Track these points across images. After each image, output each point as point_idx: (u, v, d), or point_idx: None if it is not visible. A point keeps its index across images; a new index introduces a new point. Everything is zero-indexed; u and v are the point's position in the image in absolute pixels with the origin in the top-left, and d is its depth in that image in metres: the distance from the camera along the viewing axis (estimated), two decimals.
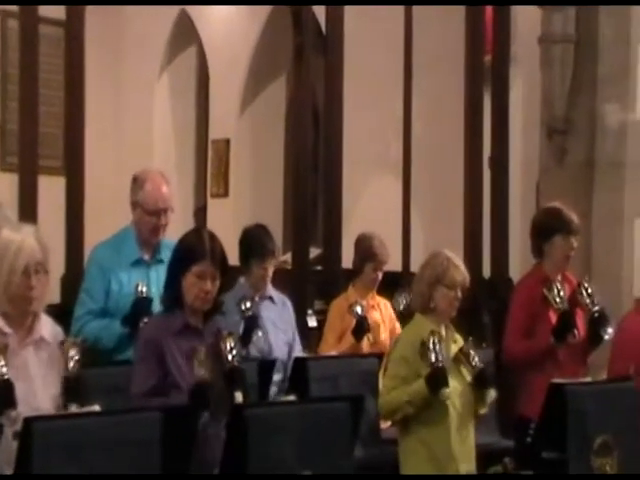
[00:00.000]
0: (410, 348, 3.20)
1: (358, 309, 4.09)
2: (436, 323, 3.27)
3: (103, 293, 3.54)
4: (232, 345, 2.86)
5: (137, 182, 3.62)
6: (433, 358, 3.11)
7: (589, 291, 3.62)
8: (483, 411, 3.26)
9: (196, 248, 2.89)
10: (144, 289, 3.43)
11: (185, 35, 9.98)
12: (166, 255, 3.56)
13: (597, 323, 3.57)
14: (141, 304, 3.41)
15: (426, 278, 3.28)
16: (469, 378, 3.20)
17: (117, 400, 3.06)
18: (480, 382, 3.17)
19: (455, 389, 3.17)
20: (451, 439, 3.19)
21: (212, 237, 2.94)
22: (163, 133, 10.19)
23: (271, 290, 3.95)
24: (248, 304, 3.72)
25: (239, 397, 2.79)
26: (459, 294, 3.28)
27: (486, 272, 6.06)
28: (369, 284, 4.31)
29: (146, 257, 3.61)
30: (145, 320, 3.38)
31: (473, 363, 3.17)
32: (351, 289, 4.38)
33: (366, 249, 4.30)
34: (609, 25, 5.95)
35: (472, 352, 3.20)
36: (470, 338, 3.26)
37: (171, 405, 2.71)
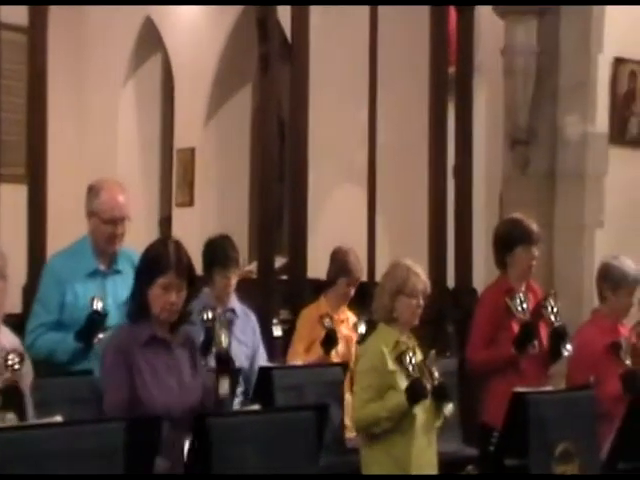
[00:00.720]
0: (378, 357, 3.22)
1: (328, 321, 4.10)
2: (399, 332, 3.29)
3: (57, 305, 3.50)
4: (224, 327, 2.88)
5: (92, 191, 3.59)
6: (410, 370, 3.15)
7: (553, 306, 3.66)
8: (438, 424, 3.28)
9: (161, 259, 2.88)
10: (99, 304, 3.39)
11: (150, 43, 9.94)
12: (124, 265, 3.54)
13: (558, 339, 3.62)
14: (95, 319, 3.38)
15: (387, 289, 3.31)
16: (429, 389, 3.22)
17: (79, 410, 3.04)
18: (439, 396, 3.21)
19: None
20: (415, 449, 3.22)
21: (178, 247, 2.92)
22: (128, 141, 10.14)
23: (234, 302, 3.94)
24: (210, 314, 3.71)
25: (225, 385, 2.81)
26: (421, 302, 3.31)
27: (450, 282, 6.11)
28: (341, 298, 4.35)
29: (102, 267, 3.57)
30: (100, 336, 3.35)
31: (433, 377, 3.20)
32: (323, 300, 4.39)
33: (341, 263, 4.33)
34: (570, 37, 6.04)
35: (433, 365, 3.23)
36: (433, 351, 3.28)
37: (114, 398, 2.71)
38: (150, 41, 9.91)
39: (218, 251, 3.88)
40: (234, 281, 3.89)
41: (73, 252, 3.61)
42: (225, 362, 2.83)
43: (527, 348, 3.61)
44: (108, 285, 3.54)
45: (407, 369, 3.16)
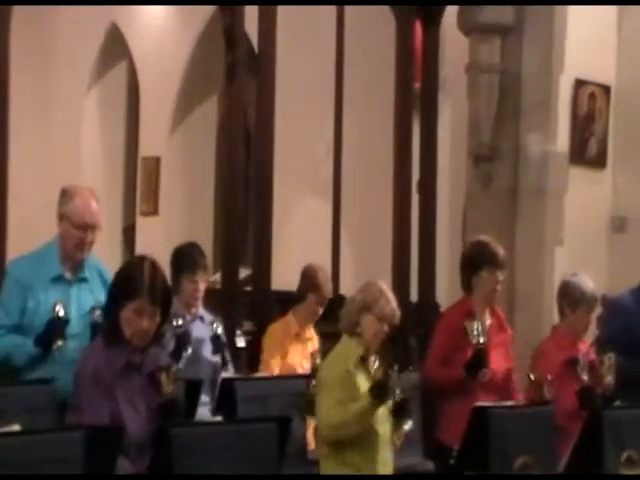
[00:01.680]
0: (344, 369, 3.24)
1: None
2: (362, 347, 3.30)
3: (18, 309, 3.45)
4: (171, 379, 2.82)
5: (66, 195, 3.55)
6: (373, 372, 3.18)
7: (479, 327, 3.65)
8: (396, 439, 3.28)
9: (134, 283, 2.79)
10: (61, 311, 3.35)
11: (115, 49, 9.88)
12: (90, 274, 3.51)
13: (479, 359, 3.62)
14: (56, 325, 3.33)
15: (357, 302, 3.33)
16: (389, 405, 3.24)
17: (37, 419, 3.00)
18: (399, 412, 3.22)
19: (381, 412, 3.21)
20: (377, 460, 3.24)
21: (154, 269, 2.83)
22: (91, 148, 10.07)
23: (202, 310, 3.94)
24: (180, 321, 3.71)
25: None
26: (385, 328, 3.30)
27: (413, 296, 6.15)
28: (310, 315, 4.36)
29: (68, 274, 3.52)
30: (59, 343, 3.31)
31: (395, 394, 3.22)
32: (291, 317, 4.38)
33: (311, 280, 4.34)
34: (533, 57, 6.14)
35: (395, 380, 3.23)
36: (395, 367, 3.29)
37: (94, 424, 2.67)
38: (115, 48, 9.85)
39: (186, 257, 3.89)
40: (202, 286, 3.90)
41: (38, 257, 3.57)
42: (174, 407, 2.80)
43: (478, 374, 3.63)
44: (72, 293, 3.50)
45: (370, 373, 3.17)
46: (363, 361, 3.23)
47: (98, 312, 3.33)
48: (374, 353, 3.33)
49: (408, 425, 3.23)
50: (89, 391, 2.79)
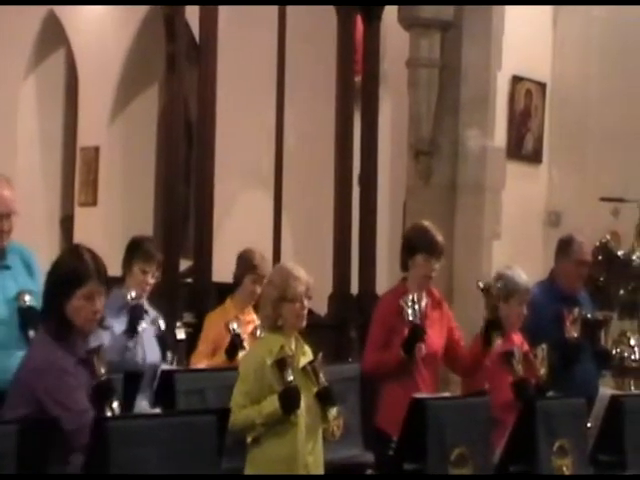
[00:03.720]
0: (259, 365, 3.21)
1: (234, 326, 4.08)
2: (285, 338, 3.28)
3: None
4: (103, 359, 2.79)
5: None
6: (287, 377, 3.14)
7: (415, 302, 3.66)
8: (325, 426, 3.26)
9: (80, 270, 2.77)
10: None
11: (53, 37, 9.69)
12: (13, 261, 3.44)
13: (415, 335, 3.62)
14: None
15: (269, 298, 3.29)
16: (314, 391, 3.22)
17: None
18: (323, 399, 3.20)
19: (303, 402, 3.18)
20: (300, 451, 3.21)
21: (93, 254, 2.83)
22: (28, 138, 9.87)
23: (147, 305, 3.92)
24: (133, 294, 3.69)
25: (116, 407, 2.75)
26: (305, 303, 3.27)
27: (354, 288, 6.19)
28: (247, 297, 4.32)
29: None
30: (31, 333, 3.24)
31: (319, 379, 3.20)
32: (229, 302, 4.36)
33: (247, 261, 4.32)
34: (471, 53, 6.21)
35: (319, 368, 3.22)
36: (320, 354, 3.28)
37: (28, 418, 2.62)
38: (53, 35, 9.66)
39: (142, 246, 3.89)
40: (151, 280, 3.88)
41: None
42: (106, 392, 2.77)
43: (414, 350, 3.65)
44: None
45: (285, 375, 3.13)
46: (283, 359, 3.17)
47: (27, 297, 3.30)
48: (298, 345, 3.30)
49: (333, 413, 3.21)
50: (68, 386, 2.73)
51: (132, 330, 3.67)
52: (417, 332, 3.63)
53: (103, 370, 2.78)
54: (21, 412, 2.72)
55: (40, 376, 2.75)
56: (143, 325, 3.72)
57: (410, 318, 3.64)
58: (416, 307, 3.64)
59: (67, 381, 2.73)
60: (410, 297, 3.67)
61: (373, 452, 3.87)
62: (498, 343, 3.69)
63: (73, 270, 2.80)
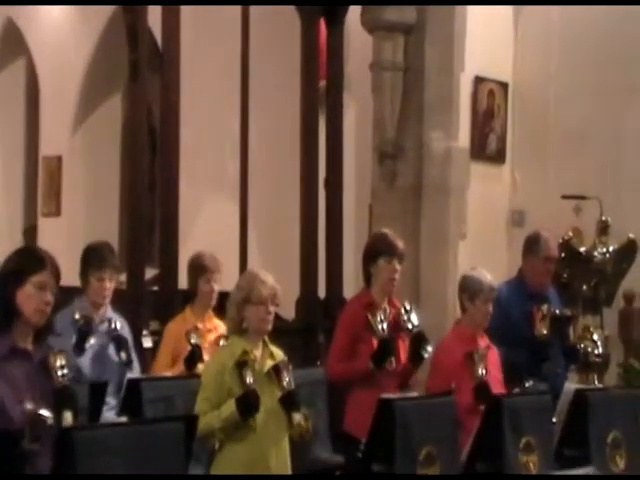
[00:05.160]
0: (219, 370, 3.20)
1: (193, 337, 4.06)
2: (249, 342, 3.28)
3: None
4: (62, 363, 2.78)
5: None
6: (247, 379, 3.13)
7: (409, 314, 3.77)
8: (291, 432, 3.22)
9: (34, 258, 2.82)
10: None
11: (13, 45, 9.62)
12: None
13: (418, 343, 3.73)
14: None
15: (234, 301, 3.29)
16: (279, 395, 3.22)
17: None
18: (286, 404, 3.19)
19: (265, 405, 3.18)
20: (262, 456, 3.20)
21: (48, 254, 2.88)
22: None
23: (110, 312, 3.90)
24: (77, 315, 3.69)
25: (68, 418, 2.73)
26: (270, 308, 3.27)
27: (321, 292, 6.21)
28: (205, 301, 4.29)
29: None
30: None
31: (284, 383, 3.20)
32: (188, 311, 4.33)
33: (196, 265, 4.28)
34: (434, 55, 6.27)
35: (285, 372, 3.22)
36: (284, 358, 3.29)
37: None
38: (13, 43, 9.59)
39: (94, 254, 3.86)
40: (109, 285, 3.85)
41: None
42: (68, 396, 2.76)
43: (385, 364, 3.69)
44: None
45: (244, 378, 3.12)
46: (244, 361, 3.18)
47: None
48: (262, 348, 3.31)
49: (297, 418, 3.18)
50: None
51: (81, 348, 3.65)
52: (388, 346, 3.69)
53: (61, 376, 2.77)
54: None
55: None
56: (91, 341, 3.70)
57: (379, 333, 3.69)
58: (384, 319, 3.70)
59: None
60: (380, 311, 3.72)
61: (342, 455, 3.89)
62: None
63: (28, 259, 2.83)
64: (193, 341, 4.03)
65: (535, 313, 4.09)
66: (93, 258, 3.85)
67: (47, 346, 2.88)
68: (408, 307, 3.78)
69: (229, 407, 3.15)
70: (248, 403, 3.12)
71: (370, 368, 3.69)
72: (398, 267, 3.84)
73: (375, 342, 3.75)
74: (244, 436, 3.17)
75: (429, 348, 3.71)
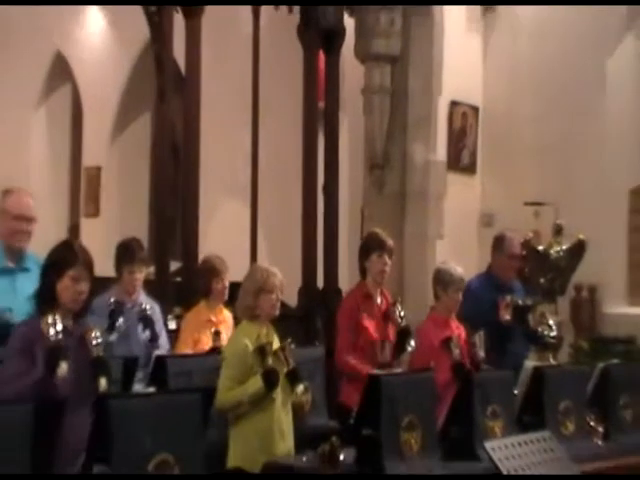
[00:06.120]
0: (241, 350, 3.25)
1: (213, 329, 4.07)
2: (260, 327, 3.33)
3: None
4: (97, 336, 2.82)
5: (5, 194, 3.52)
6: (268, 362, 3.22)
7: (400, 310, 3.80)
8: (293, 399, 3.32)
9: (69, 254, 2.88)
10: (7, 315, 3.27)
11: (61, 73, 9.75)
12: (31, 265, 3.43)
13: (403, 337, 3.75)
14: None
15: (250, 289, 3.33)
16: (285, 370, 3.28)
17: None
18: (291, 378, 3.27)
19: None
20: (276, 420, 3.28)
21: (80, 246, 2.96)
22: (39, 160, 9.95)
23: (142, 297, 3.93)
24: (112, 299, 3.74)
25: (103, 383, 2.75)
26: (279, 295, 3.36)
27: (320, 283, 6.21)
28: (219, 298, 4.31)
29: (11, 265, 3.44)
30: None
31: (289, 361, 3.26)
32: (203, 305, 4.32)
33: (209, 268, 4.29)
34: (416, 81, 6.30)
35: (288, 352, 3.28)
36: (289, 340, 3.34)
37: (42, 399, 2.61)
38: (60, 71, 9.70)
39: (126, 250, 3.89)
40: (140, 276, 3.88)
41: None
42: (102, 365, 2.79)
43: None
44: (17, 282, 3.41)
45: (265, 359, 3.21)
46: (263, 346, 3.23)
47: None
48: (269, 333, 3.34)
49: (300, 389, 3.27)
50: (17, 349, 2.78)
51: (112, 328, 3.67)
52: (407, 335, 3.70)
53: (96, 347, 2.79)
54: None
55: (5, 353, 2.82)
56: (120, 321, 3.71)
57: (400, 323, 3.73)
58: (402, 313, 3.73)
59: (20, 346, 2.77)
60: (397, 306, 3.75)
61: (337, 421, 3.90)
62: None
63: (64, 254, 2.90)
64: (214, 329, 4.08)
65: (500, 302, 4.11)
66: (125, 253, 3.88)
67: (84, 323, 2.90)
68: (398, 303, 3.79)
69: (256, 382, 3.23)
70: (271, 379, 3.22)
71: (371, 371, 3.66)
72: (388, 261, 3.86)
73: (370, 327, 3.74)
74: (266, 406, 3.26)
75: (412, 343, 3.72)
